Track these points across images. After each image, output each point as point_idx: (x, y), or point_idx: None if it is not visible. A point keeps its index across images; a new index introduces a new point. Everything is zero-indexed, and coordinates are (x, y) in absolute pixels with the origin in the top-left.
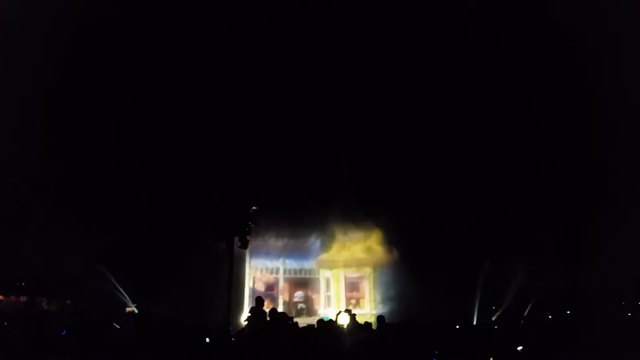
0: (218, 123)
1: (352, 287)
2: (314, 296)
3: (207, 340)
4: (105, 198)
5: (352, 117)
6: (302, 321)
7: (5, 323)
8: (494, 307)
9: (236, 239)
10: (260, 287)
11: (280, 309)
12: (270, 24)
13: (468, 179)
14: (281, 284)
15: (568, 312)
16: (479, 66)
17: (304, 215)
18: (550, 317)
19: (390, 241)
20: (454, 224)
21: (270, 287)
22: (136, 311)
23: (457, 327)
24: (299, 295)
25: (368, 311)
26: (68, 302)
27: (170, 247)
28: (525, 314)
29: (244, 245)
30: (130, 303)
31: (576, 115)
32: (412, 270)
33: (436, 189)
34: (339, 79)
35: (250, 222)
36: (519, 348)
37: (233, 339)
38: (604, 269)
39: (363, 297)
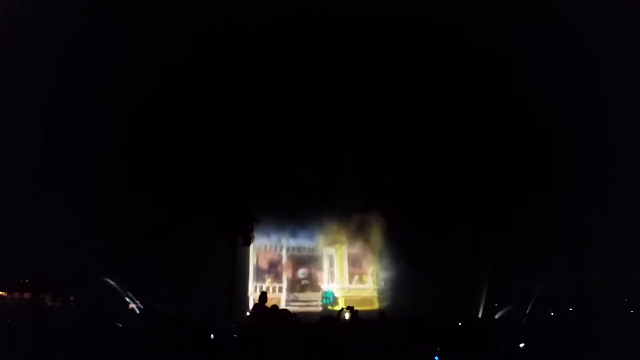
0: (220, 122)
1: (355, 263)
2: (318, 273)
3: (212, 336)
4: (109, 196)
5: (355, 117)
6: (305, 296)
7: (9, 320)
8: (496, 305)
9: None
10: (264, 265)
11: (284, 286)
12: (271, 22)
13: (472, 178)
14: (284, 261)
15: (570, 309)
16: (482, 67)
17: (306, 213)
18: (552, 314)
19: (393, 238)
20: (458, 222)
21: (274, 265)
22: (137, 311)
23: (460, 324)
24: (302, 272)
25: (371, 286)
26: (71, 298)
27: (173, 245)
28: (527, 311)
29: (247, 243)
30: (134, 300)
31: (580, 115)
32: (412, 266)
33: (440, 188)
34: (342, 78)
35: (253, 221)
36: (521, 345)
37: (235, 335)
38: (607, 267)
39: (365, 273)
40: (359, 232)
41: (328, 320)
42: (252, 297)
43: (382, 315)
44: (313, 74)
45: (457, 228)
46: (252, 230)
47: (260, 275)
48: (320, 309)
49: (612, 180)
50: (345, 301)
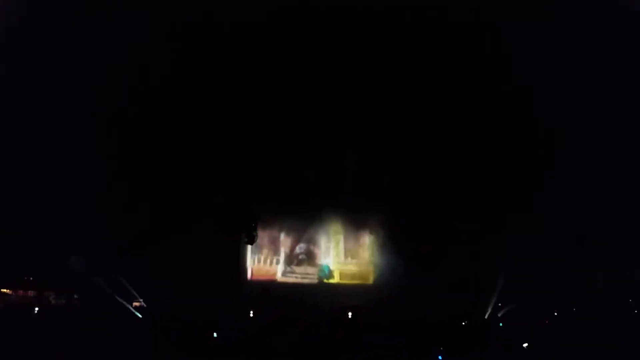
0: (223, 122)
1: (352, 239)
2: (316, 250)
3: (215, 335)
4: (113, 196)
5: (359, 118)
6: (302, 270)
7: (14, 317)
8: (500, 305)
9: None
10: (264, 242)
11: (281, 258)
12: (273, 22)
13: (477, 179)
14: (282, 237)
15: (574, 309)
16: (484, 69)
17: (307, 212)
18: (556, 314)
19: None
20: (462, 222)
21: (273, 240)
22: (137, 314)
23: (463, 324)
24: (300, 247)
25: (367, 259)
26: (75, 296)
27: (175, 244)
28: (531, 312)
29: (250, 242)
30: (138, 298)
31: (582, 118)
32: (412, 264)
33: (446, 191)
34: (345, 79)
35: (256, 220)
36: (525, 345)
37: (239, 335)
38: (610, 268)
39: (362, 247)
40: (358, 225)
41: (331, 319)
42: (251, 268)
43: (386, 314)
44: (315, 75)
45: (461, 228)
46: (255, 229)
47: (258, 248)
48: (316, 281)
49: (615, 182)
50: (341, 274)
